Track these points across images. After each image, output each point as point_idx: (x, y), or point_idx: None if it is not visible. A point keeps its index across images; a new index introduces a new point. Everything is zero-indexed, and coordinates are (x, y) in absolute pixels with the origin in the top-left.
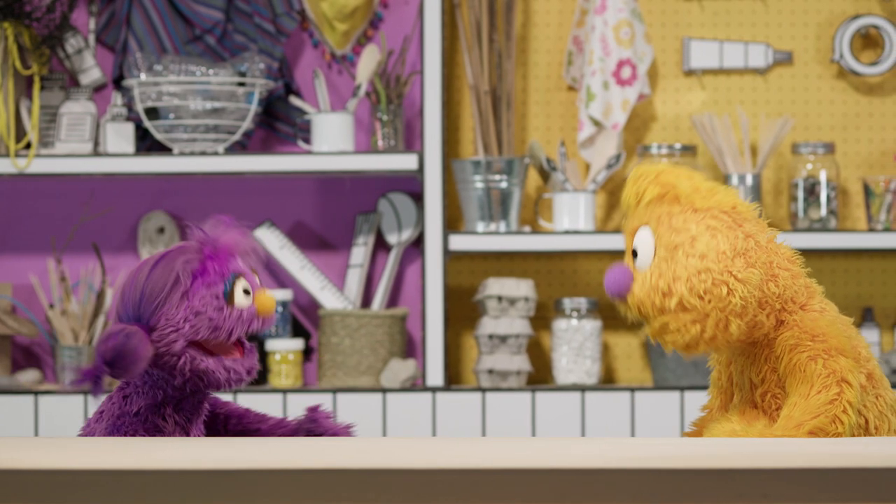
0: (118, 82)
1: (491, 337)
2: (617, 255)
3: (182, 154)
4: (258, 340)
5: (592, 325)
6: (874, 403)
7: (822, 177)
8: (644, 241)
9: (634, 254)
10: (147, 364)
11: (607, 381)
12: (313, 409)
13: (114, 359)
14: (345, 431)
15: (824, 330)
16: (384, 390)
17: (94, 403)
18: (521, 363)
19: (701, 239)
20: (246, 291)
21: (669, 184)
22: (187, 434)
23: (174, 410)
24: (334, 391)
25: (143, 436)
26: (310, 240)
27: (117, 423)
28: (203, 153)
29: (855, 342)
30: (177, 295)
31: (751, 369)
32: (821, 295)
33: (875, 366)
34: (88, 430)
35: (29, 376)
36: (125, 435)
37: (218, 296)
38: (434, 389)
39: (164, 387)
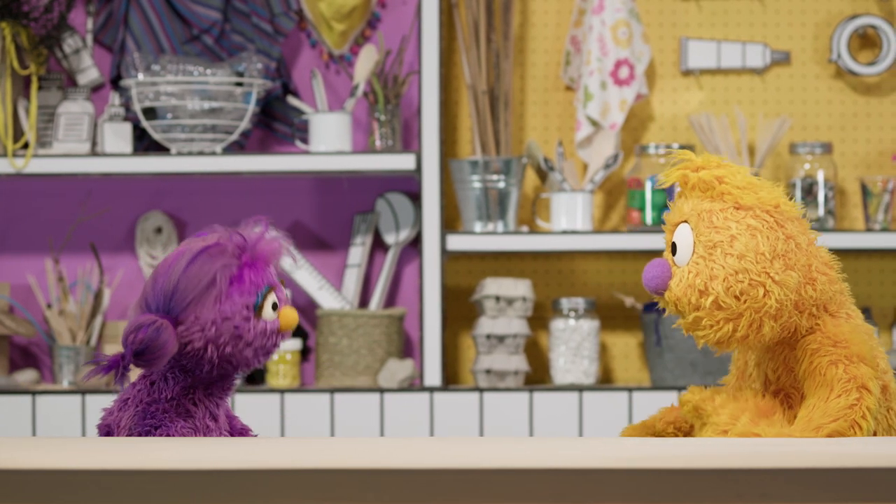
0: (116, 82)
1: (489, 337)
2: (615, 254)
3: (180, 154)
4: None
5: (590, 325)
6: (884, 416)
7: (820, 177)
8: (684, 237)
9: (674, 248)
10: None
11: (605, 381)
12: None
13: (142, 350)
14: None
15: (847, 336)
16: (382, 390)
17: (93, 402)
18: (519, 363)
19: (740, 238)
20: (274, 305)
21: (713, 178)
22: (215, 417)
23: (204, 395)
24: (332, 391)
25: (175, 420)
26: (307, 240)
27: (149, 410)
28: (201, 153)
29: (875, 352)
30: (211, 297)
31: (768, 365)
32: (851, 302)
33: (891, 378)
34: (113, 419)
35: (27, 376)
36: (156, 421)
37: (249, 306)
38: (432, 389)
39: (193, 372)
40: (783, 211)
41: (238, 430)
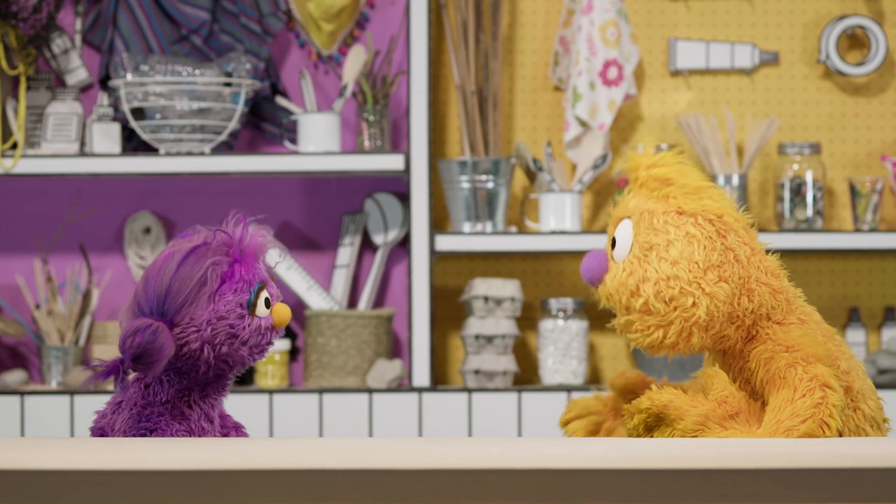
0: (104, 82)
1: (477, 337)
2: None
3: (168, 154)
4: None
5: (579, 326)
6: (851, 417)
7: (809, 177)
8: (624, 233)
9: (613, 243)
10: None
11: (593, 381)
12: None
13: (139, 355)
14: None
15: (798, 340)
16: (370, 391)
17: (81, 403)
18: (508, 363)
19: (676, 244)
20: (266, 302)
21: (662, 178)
22: (210, 419)
23: (199, 397)
24: (320, 391)
25: (170, 423)
26: (296, 240)
27: (143, 413)
28: (189, 153)
29: (835, 354)
30: (204, 296)
31: (727, 373)
32: (802, 306)
33: (855, 379)
34: (106, 421)
35: (15, 377)
36: (152, 424)
37: (242, 304)
38: (420, 390)
39: (189, 374)
40: (726, 221)
41: (231, 426)
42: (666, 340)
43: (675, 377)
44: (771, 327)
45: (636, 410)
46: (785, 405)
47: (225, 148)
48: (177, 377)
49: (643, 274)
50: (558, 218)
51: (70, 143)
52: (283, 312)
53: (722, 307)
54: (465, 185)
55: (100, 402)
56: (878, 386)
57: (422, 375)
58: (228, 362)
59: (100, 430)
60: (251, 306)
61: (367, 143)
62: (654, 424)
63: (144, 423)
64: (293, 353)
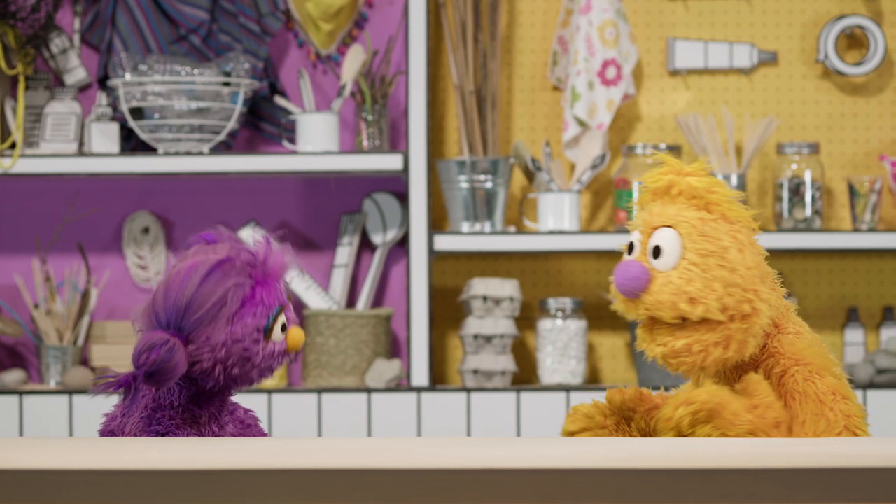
0: (103, 82)
1: (476, 337)
2: (602, 254)
3: (167, 154)
4: None
5: (577, 326)
6: None
7: (807, 177)
8: (670, 241)
9: (656, 252)
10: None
11: (592, 381)
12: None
13: (154, 372)
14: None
15: (804, 353)
16: (369, 390)
17: (80, 403)
18: (506, 363)
19: (731, 251)
20: (283, 326)
21: (704, 187)
22: (219, 422)
23: (207, 401)
24: (319, 391)
25: (181, 426)
26: (295, 240)
27: (154, 416)
28: (188, 153)
29: (832, 364)
30: (223, 317)
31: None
32: (793, 313)
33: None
34: (116, 424)
35: (13, 376)
36: (163, 427)
37: (259, 328)
38: (419, 389)
39: (198, 382)
40: (755, 229)
41: (240, 419)
42: (725, 355)
43: (674, 379)
44: (777, 337)
45: (689, 402)
46: (817, 420)
47: (223, 148)
48: (186, 383)
49: (704, 282)
50: (557, 218)
51: (68, 142)
52: (297, 337)
53: (772, 313)
54: (464, 185)
55: (98, 402)
56: (877, 386)
57: (420, 375)
58: (237, 381)
59: (109, 433)
60: (268, 331)
61: (365, 143)
62: (702, 420)
63: (155, 427)
64: None
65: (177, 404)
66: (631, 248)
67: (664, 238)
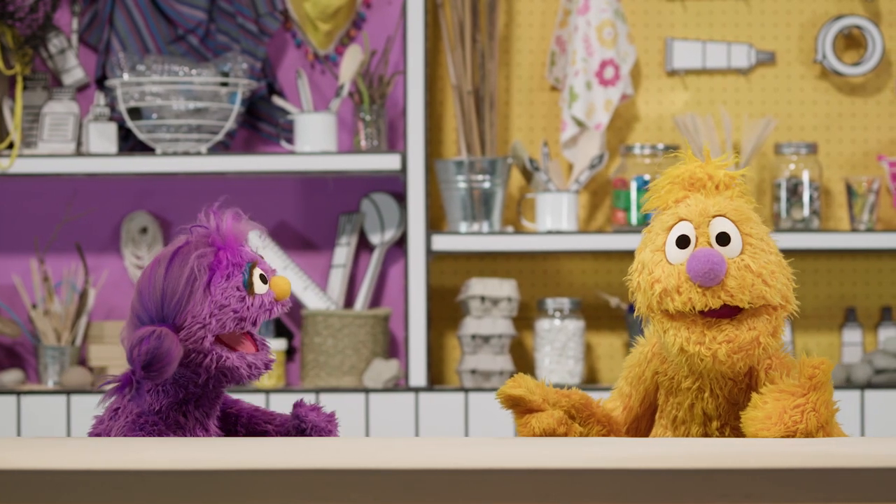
0: (101, 82)
1: (474, 337)
2: (600, 255)
3: (165, 154)
4: None
5: (575, 326)
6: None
7: (805, 177)
8: (730, 228)
9: (724, 239)
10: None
11: (590, 381)
12: (298, 406)
13: (149, 362)
14: (328, 424)
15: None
16: (367, 390)
17: (78, 403)
18: (504, 363)
19: (769, 239)
20: (262, 278)
21: (735, 178)
22: (205, 429)
23: (194, 407)
24: (317, 391)
25: (165, 432)
26: (292, 240)
27: (138, 421)
28: (186, 153)
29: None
30: (199, 291)
31: (708, 402)
32: None
33: None
34: (103, 428)
35: (12, 376)
36: (145, 432)
37: (239, 287)
38: (417, 389)
39: (186, 385)
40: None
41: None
42: (775, 343)
43: None
44: None
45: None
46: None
47: (221, 148)
48: (173, 388)
49: (766, 265)
50: (555, 218)
51: (66, 142)
52: (282, 284)
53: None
54: (462, 185)
55: (96, 402)
56: (875, 386)
57: (418, 375)
58: (227, 375)
59: (97, 437)
60: (248, 286)
61: (363, 143)
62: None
63: (138, 433)
64: (290, 353)
65: (160, 409)
66: (684, 241)
67: (725, 225)
